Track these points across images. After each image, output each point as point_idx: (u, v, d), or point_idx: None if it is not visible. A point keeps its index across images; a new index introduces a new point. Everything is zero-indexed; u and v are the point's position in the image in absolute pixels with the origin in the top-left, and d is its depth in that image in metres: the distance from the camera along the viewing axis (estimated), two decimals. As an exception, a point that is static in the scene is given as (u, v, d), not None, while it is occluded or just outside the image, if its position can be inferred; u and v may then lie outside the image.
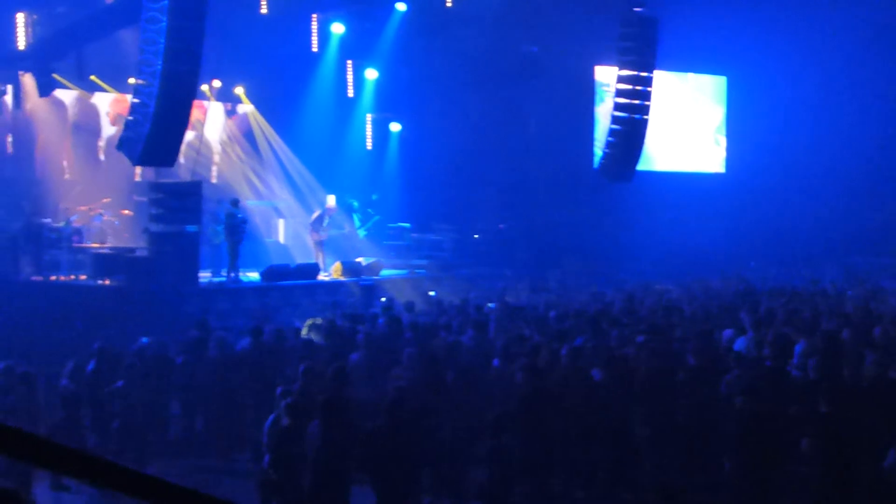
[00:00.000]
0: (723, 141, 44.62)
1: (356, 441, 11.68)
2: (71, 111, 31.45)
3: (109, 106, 31.39)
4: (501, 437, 11.93)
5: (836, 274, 33.11)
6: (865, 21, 39.42)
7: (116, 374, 15.77)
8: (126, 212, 29.82)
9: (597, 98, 40.03)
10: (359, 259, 30.01)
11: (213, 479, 15.21)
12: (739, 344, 15.77)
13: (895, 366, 13.01)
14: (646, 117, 30.73)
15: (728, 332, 16.91)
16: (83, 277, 26.09)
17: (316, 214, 30.24)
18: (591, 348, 14.88)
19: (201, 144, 31.09)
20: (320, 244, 29.84)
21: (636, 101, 30.36)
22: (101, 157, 31.44)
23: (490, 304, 22.35)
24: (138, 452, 15.28)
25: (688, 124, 42.95)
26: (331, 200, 30.66)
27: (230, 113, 34.67)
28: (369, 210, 32.82)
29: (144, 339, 17.39)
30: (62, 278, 26.20)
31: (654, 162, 39.43)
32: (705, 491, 12.37)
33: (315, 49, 35.34)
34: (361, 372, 15.01)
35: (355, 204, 32.29)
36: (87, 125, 31.66)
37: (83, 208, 28.35)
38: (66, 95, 30.91)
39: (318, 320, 19.61)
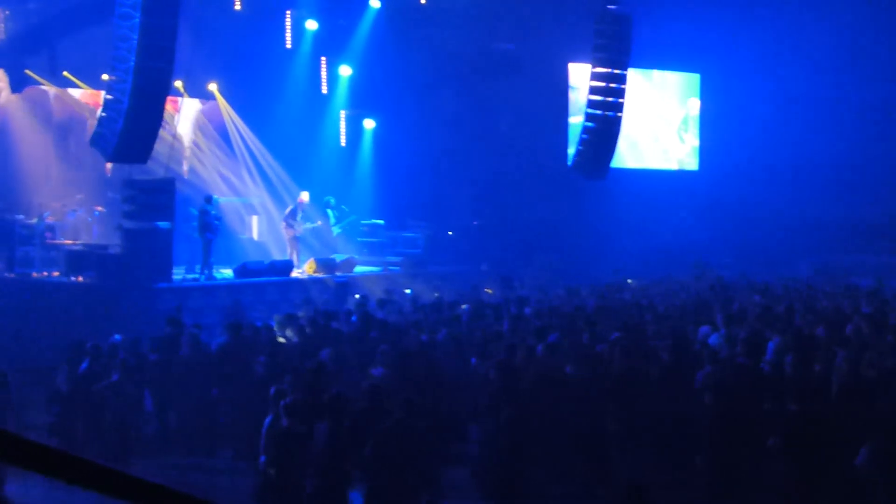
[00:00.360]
0: (688, 138, 44.64)
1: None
2: (44, 107, 31.30)
3: (81, 98, 31.26)
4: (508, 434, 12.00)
5: (809, 271, 33.29)
6: (839, 18, 39.59)
7: (110, 370, 15.68)
8: (99, 208, 29.72)
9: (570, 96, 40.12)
10: (332, 256, 30.01)
11: (194, 476, 15.17)
12: (713, 341, 15.80)
13: (867, 363, 13.08)
14: (619, 115, 30.82)
15: (704, 329, 16.96)
16: (56, 274, 26.01)
17: (289, 209, 30.25)
18: (566, 345, 14.90)
19: (174, 141, 31.01)
20: (295, 240, 29.82)
21: (610, 99, 30.45)
22: (75, 152, 31.29)
23: (464, 306, 22.29)
24: (128, 449, 15.28)
25: (651, 122, 42.91)
26: (304, 196, 30.66)
27: (204, 109, 34.58)
28: (343, 207, 32.76)
29: (117, 337, 17.33)
30: (35, 275, 26.09)
31: (620, 159, 39.38)
32: (677, 487, 12.41)
33: (289, 45, 35.32)
34: (332, 368, 15.02)
35: (332, 201, 32.26)
36: (60, 121, 31.51)
37: (56, 204, 28.25)
38: (40, 91, 30.76)
39: (301, 313, 19.63)
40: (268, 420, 11.71)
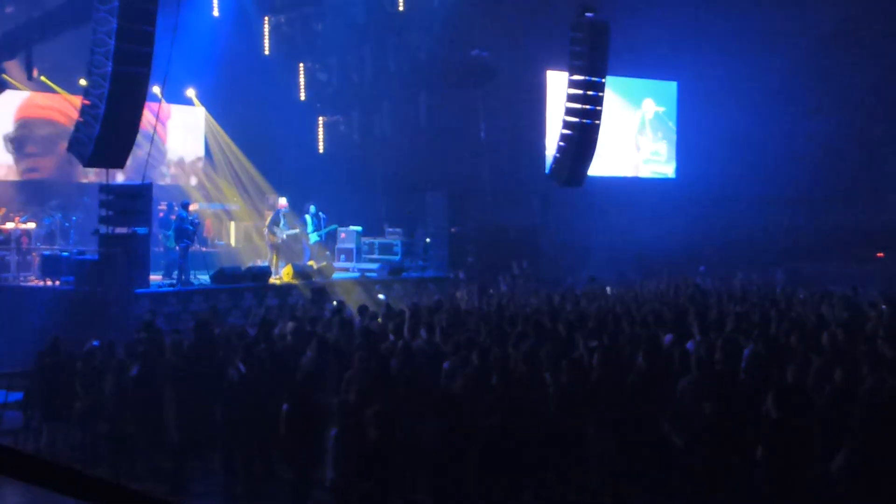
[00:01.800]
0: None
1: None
2: (19, 111, 31.25)
3: (58, 102, 31.23)
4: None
5: (785, 279, 33.39)
6: (813, 30, 39.78)
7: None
8: (76, 214, 29.70)
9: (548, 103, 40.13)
10: (310, 262, 29.99)
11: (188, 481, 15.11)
12: (689, 348, 15.79)
13: (841, 370, 13.13)
14: (597, 122, 30.84)
15: (668, 337, 16.95)
16: (32, 279, 25.94)
17: (271, 216, 30.22)
18: (543, 353, 14.89)
19: (152, 146, 30.96)
20: (275, 246, 29.78)
21: (587, 106, 30.48)
22: (52, 157, 31.27)
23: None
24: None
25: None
26: (282, 201, 30.66)
27: (182, 115, 34.64)
28: (321, 215, 32.71)
29: (95, 342, 17.26)
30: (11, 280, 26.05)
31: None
32: (655, 494, 12.42)
33: (267, 52, 35.30)
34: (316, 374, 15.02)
35: (312, 208, 32.18)
36: (36, 126, 31.45)
37: (32, 210, 28.17)
38: (16, 95, 30.70)
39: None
40: (334, 433, 11.29)
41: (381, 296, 28.29)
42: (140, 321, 20.21)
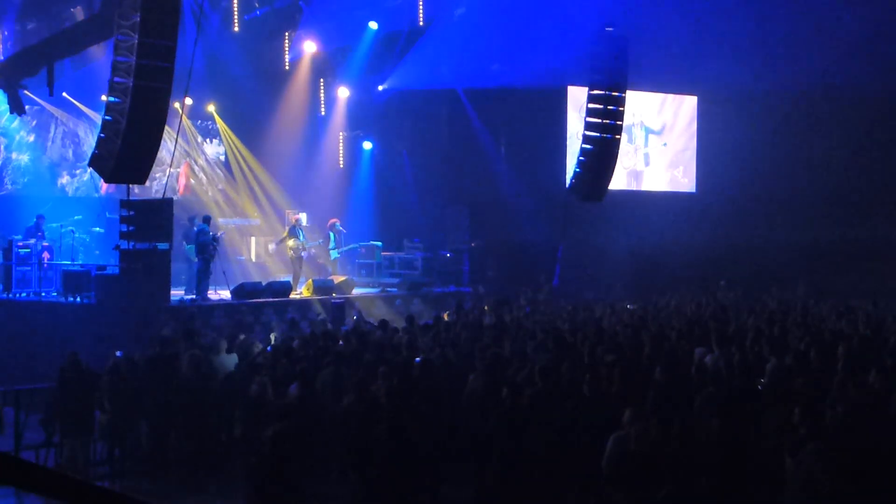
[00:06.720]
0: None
1: None
2: (42, 127, 31.42)
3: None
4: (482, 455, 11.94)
5: (805, 292, 33.25)
6: (834, 42, 39.66)
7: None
8: (97, 229, 29.76)
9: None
10: (330, 277, 29.99)
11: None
12: (709, 362, 15.74)
13: (859, 385, 13.07)
14: (617, 137, 30.81)
15: (699, 351, 16.90)
16: (53, 295, 26.01)
17: (287, 230, 30.17)
18: (563, 367, 14.86)
19: (172, 162, 31.04)
20: (297, 261, 29.71)
21: (607, 121, 30.45)
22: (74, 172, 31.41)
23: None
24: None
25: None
26: (301, 216, 30.67)
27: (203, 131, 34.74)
28: (342, 230, 32.70)
29: (119, 353, 17.26)
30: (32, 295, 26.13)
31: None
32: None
33: (287, 67, 35.34)
34: (329, 387, 15.00)
35: (337, 225, 32.12)
36: (58, 141, 31.60)
37: (55, 225, 28.25)
38: (37, 112, 30.84)
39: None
40: (617, 438, 11.36)
41: (401, 310, 28.27)
42: (161, 336, 20.14)
